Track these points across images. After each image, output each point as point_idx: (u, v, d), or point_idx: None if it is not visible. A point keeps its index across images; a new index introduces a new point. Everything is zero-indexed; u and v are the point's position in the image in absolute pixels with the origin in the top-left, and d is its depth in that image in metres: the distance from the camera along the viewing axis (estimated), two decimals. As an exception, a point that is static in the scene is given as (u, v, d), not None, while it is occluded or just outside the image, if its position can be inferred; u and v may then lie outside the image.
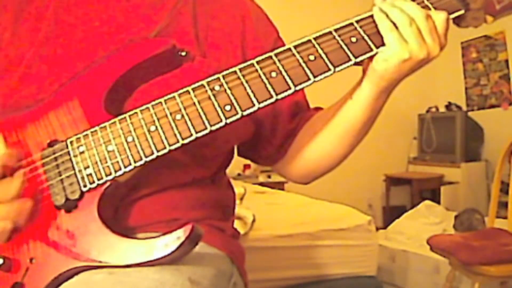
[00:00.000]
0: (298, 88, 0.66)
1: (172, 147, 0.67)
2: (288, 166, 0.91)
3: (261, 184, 3.80)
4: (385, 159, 4.79)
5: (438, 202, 4.06)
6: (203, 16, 0.85)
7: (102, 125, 0.69)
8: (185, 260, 0.67)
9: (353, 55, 0.67)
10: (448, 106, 4.82)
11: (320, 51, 0.66)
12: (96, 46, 0.78)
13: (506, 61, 4.49)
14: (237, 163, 0.94)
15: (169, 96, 0.67)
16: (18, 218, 0.68)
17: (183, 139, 0.66)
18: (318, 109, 0.92)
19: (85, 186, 0.68)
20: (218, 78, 0.67)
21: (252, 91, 0.66)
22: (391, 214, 4.31)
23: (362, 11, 0.69)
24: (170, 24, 0.81)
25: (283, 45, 0.71)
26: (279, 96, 0.66)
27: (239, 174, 4.17)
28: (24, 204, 0.68)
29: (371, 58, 0.69)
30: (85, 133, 0.69)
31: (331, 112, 0.81)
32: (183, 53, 0.70)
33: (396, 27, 0.67)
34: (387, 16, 0.68)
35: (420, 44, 0.68)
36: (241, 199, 2.52)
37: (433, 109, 4.89)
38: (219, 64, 0.72)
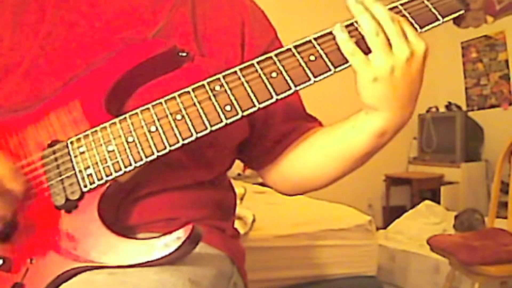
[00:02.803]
0: (298, 88, 0.66)
1: (173, 147, 0.67)
2: (276, 174, 0.89)
3: (261, 184, 3.79)
4: (385, 159, 4.76)
5: (438, 202, 4.06)
6: (202, 16, 0.85)
7: (103, 125, 0.69)
8: (185, 260, 0.67)
9: None
10: (448, 106, 4.82)
11: (320, 51, 0.66)
12: (96, 47, 0.78)
13: (506, 61, 4.49)
14: (237, 163, 0.93)
15: (169, 96, 0.67)
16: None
17: (183, 139, 0.66)
18: (316, 120, 0.91)
19: (85, 186, 0.68)
20: (219, 79, 0.67)
21: (252, 92, 0.66)
22: (391, 214, 4.31)
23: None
24: (169, 24, 0.81)
25: (281, 46, 0.71)
26: (280, 96, 0.66)
27: (239, 174, 4.16)
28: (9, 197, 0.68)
29: None
30: (85, 133, 0.69)
31: (333, 133, 0.80)
32: (184, 54, 0.70)
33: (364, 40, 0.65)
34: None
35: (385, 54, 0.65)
36: (241, 199, 2.51)
37: (433, 109, 4.89)
38: (219, 64, 0.72)
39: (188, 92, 0.67)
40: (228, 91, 0.66)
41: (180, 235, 0.64)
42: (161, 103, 0.68)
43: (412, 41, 0.66)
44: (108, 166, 0.68)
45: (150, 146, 0.67)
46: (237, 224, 1.85)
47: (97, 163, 0.68)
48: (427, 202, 3.72)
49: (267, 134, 0.87)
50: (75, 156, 0.69)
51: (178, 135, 0.66)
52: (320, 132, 0.85)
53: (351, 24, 0.68)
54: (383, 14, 0.65)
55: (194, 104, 0.66)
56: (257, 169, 0.92)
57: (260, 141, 0.88)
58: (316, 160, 0.83)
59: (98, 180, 0.68)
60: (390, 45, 0.65)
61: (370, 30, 0.65)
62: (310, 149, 0.84)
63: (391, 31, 0.65)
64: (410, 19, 0.68)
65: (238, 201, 0.96)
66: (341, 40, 0.65)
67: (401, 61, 0.65)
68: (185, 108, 0.67)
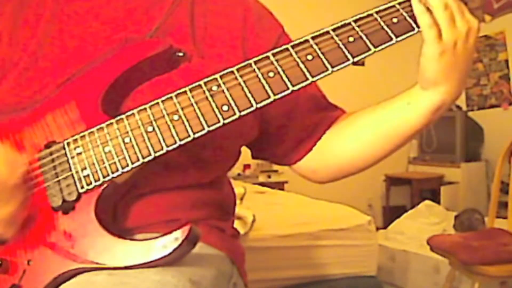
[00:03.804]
0: (295, 88, 0.66)
1: (170, 148, 0.66)
2: (315, 164, 0.88)
3: (261, 184, 3.80)
4: (385, 159, 4.78)
5: (438, 202, 4.06)
6: (201, 16, 0.85)
7: (99, 126, 0.68)
8: (185, 261, 0.67)
9: (351, 55, 0.67)
10: (448, 106, 4.82)
11: (318, 51, 0.66)
12: (93, 47, 0.78)
13: (506, 61, 4.49)
14: (237, 163, 0.93)
15: (166, 96, 0.67)
16: (12, 222, 0.67)
17: (180, 139, 0.66)
18: (338, 108, 0.91)
19: (82, 187, 0.68)
20: (216, 79, 0.67)
21: (249, 91, 0.66)
22: (391, 214, 4.31)
23: (360, 11, 0.68)
24: (166, 24, 0.81)
25: (289, 40, 0.71)
26: (277, 96, 0.66)
27: (239, 174, 4.16)
28: (18, 208, 0.67)
29: None
30: (82, 134, 0.69)
31: (384, 111, 0.81)
32: (180, 54, 0.70)
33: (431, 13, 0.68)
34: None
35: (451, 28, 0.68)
36: (241, 199, 2.51)
37: (433, 109, 4.89)
38: (217, 65, 0.71)
39: (185, 92, 0.67)
40: (225, 91, 0.66)
41: (178, 236, 0.63)
42: (158, 103, 0.67)
43: (468, 18, 0.69)
44: (105, 167, 0.67)
45: (147, 147, 0.66)
46: (237, 224, 1.85)
47: (94, 164, 0.68)
48: (427, 202, 3.72)
49: (291, 130, 0.87)
50: (72, 157, 0.69)
51: (175, 135, 0.66)
52: (363, 113, 0.85)
53: (364, 17, 0.68)
54: None
55: (191, 104, 0.66)
56: (289, 165, 0.91)
57: (285, 137, 0.88)
58: (364, 140, 0.83)
59: (95, 181, 0.67)
60: (454, 19, 0.68)
61: (439, 4, 0.67)
62: (354, 131, 0.84)
63: (453, 7, 0.68)
64: (407, 18, 0.68)
65: (238, 201, 0.96)
66: (418, 12, 0.68)
67: (462, 35, 0.68)
68: (182, 109, 0.66)
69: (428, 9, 0.68)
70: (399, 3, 0.69)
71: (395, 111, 0.79)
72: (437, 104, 0.74)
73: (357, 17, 0.68)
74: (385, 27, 0.68)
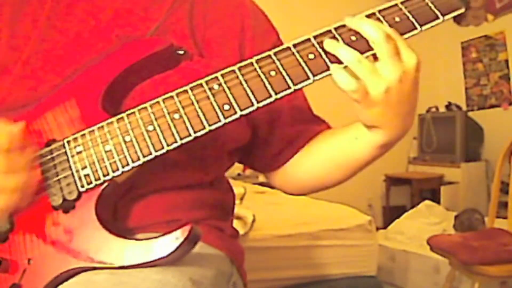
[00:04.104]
0: (297, 87, 0.65)
1: (170, 147, 0.66)
2: (284, 177, 0.91)
3: (261, 184, 3.79)
4: (385, 159, 4.73)
5: (438, 202, 4.06)
6: (201, 16, 0.85)
7: (100, 124, 0.68)
8: (185, 260, 0.67)
9: None
10: (448, 106, 4.82)
11: (319, 49, 0.66)
12: (93, 46, 0.78)
13: (506, 61, 4.49)
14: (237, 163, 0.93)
15: (167, 95, 0.67)
16: (27, 190, 0.67)
17: (181, 138, 0.66)
18: (323, 122, 0.91)
19: (82, 186, 0.68)
20: (217, 77, 0.66)
21: (251, 90, 0.65)
22: (391, 214, 4.31)
23: (361, 10, 0.68)
24: (166, 23, 0.81)
25: None
26: (278, 95, 0.65)
27: (239, 174, 4.16)
28: (33, 176, 0.67)
29: None
30: (82, 132, 0.69)
31: (337, 143, 0.82)
32: (181, 52, 0.70)
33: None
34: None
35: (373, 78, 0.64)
36: (241, 199, 2.52)
37: (433, 109, 4.89)
38: (217, 64, 0.71)
39: (186, 91, 0.66)
40: (227, 90, 0.66)
41: (178, 235, 0.63)
42: (158, 102, 0.67)
43: (404, 59, 0.64)
44: (105, 166, 0.67)
45: (147, 146, 0.66)
46: (237, 224, 1.85)
47: (94, 163, 0.68)
48: (427, 202, 3.72)
49: (273, 138, 0.88)
50: (72, 156, 0.69)
51: (176, 134, 0.66)
52: (325, 139, 0.86)
53: (367, 16, 0.66)
54: (377, 36, 0.63)
55: (192, 103, 0.66)
56: (264, 172, 0.94)
57: (266, 145, 0.88)
58: (323, 165, 0.85)
59: (95, 180, 0.67)
60: (376, 72, 0.64)
61: (352, 60, 0.63)
62: (317, 155, 0.86)
63: (383, 52, 0.63)
64: (410, 17, 0.67)
65: (238, 201, 0.96)
66: (340, 82, 0.63)
67: (394, 82, 0.64)
68: (183, 108, 0.66)
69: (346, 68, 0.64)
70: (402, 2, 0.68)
71: (346, 142, 0.80)
72: (380, 143, 0.73)
73: (360, 16, 0.68)
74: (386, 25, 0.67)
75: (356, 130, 0.76)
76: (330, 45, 0.65)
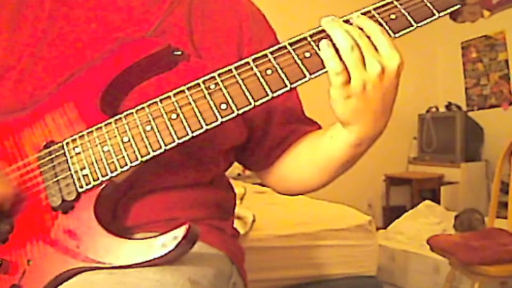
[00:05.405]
0: (294, 85, 0.66)
1: (168, 147, 0.66)
2: (275, 176, 0.91)
3: (261, 184, 3.78)
4: (385, 159, 4.78)
5: (438, 202, 4.06)
6: (199, 17, 0.85)
7: (98, 125, 0.69)
8: (185, 260, 0.67)
9: None
10: (448, 106, 4.82)
11: (315, 48, 0.66)
12: (91, 47, 0.78)
13: (506, 61, 4.49)
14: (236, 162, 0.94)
15: (164, 95, 0.67)
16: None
17: (178, 138, 0.66)
18: (315, 124, 0.92)
19: (81, 187, 0.68)
20: (214, 77, 0.67)
21: (247, 89, 0.66)
22: (391, 214, 4.31)
23: (358, 9, 0.68)
24: (164, 24, 0.81)
25: None
26: (275, 94, 0.66)
27: (239, 174, 4.16)
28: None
29: None
30: (80, 134, 0.69)
31: (315, 142, 0.83)
32: (178, 53, 0.70)
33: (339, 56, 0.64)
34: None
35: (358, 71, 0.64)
36: (241, 199, 2.51)
37: (433, 109, 4.89)
38: (214, 65, 0.72)
39: (183, 91, 0.67)
40: (223, 90, 0.66)
41: (177, 234, 0.63)
42: (156, 102, 0.67)
43: (385, 55, 0.65)
44: (104, 167, 0.67)
45: (145, 146, 0.67)
46: (237, 224, 1.85)
47: (92, 163, 0.68)
48: (427, 202, 3.72)
49: (265, 139, 0.88)
50: (71, 157, 0.69)
51: (173, 134, 0.66)
52: (307, 140, 0.87)
53: (362, 14, 0.67)
54: (354, 29, 0.65)
55: (189, 103, 0.66)
56: (257, 172, 0.94)
57: (259, 145, 0.89)
58: (304, 166, 0.85)
59: (94, 180, 0.68)
60: (363, 61, 0.64)
61: (345, 46, 0.64)
62: (299, 155, 0.86)
63: (363, 47, 0.64)
64: (405, 14, 0.67)
65: (238, 201, 0.96)
66: (326, 57, 0.64)
67: (373, 76, 0.64)
68: (180, 107, 0.66)
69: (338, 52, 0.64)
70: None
71: (323, 143, 0.80)
72: (354, 141, 0.73)
73: (355, 14, 0.68)
74: (384, 24, 0.67)
75: (332, 130, 0.77)
76: (327, 25, 0.65)
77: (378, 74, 0.64)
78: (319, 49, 0.66)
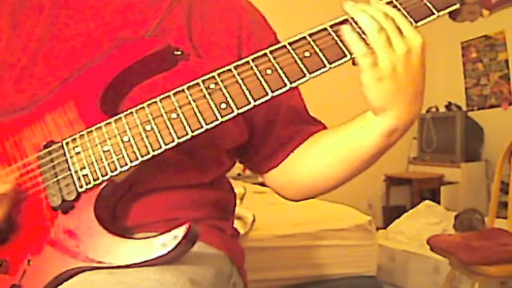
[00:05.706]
0: (293, 85, 0.66)
1: (168, 146, 0.66)
2: (281, 179, 0.89)
3: (261, 184, 3.78)
4: (385, 159, 4.74)
5: (438, 202, 4.06)
6: (199, 16, 0.85)
7: (98, 125, 0.69)
8: (185, 260, 0.67)
9: (349, 51, 0.66)
10: (448, 106, 4.82)
11: (315, 47, 0.66)
12: (91, 47, 0.78)
13: (506, 61, 4.49)
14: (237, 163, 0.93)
15: (164, 95, 0.67)
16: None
17: (178, 138, 0.66)
18: (320, 124, 0.90)
19: (81, 186, 0.68)
20: (213, 77, 0.67)
21: (247, 89, 0.66)
22: (391, 214, 4.30)
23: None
24: (164, 24, 0.81)
25: None
26: (275, 93, 0.66)
27: (239, 174, 4.16)
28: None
29: None
30: (80, 133, 0.69)
31: (340, 134, 0.80)
32: (178, 52, 0.70)
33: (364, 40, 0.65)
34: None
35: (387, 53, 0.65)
36: (241, 199, 2.51)
37: (433, 109, 4.89)
38: (214, 65, 0.72)
39: (183, 91, 0.67)
40: (223, 89, 0.66)
41: (177, 234, 0.63)
42: (156, 102, 0.67)
43: (408, 36, 0.66)
44: (103, 166, 0.67)
45: (145, 146, 0.67)
46: (237, 224, 1.85)
47: (92, 163, 0.68)
48: (427, 202, 3.72)
49: (269, 139, 0.87)
50: (71, 157, 0.69)
51: (173, 134, 0.66)
52: (325, 134, 0.85)
53: (341, 22, 0.67)
54: (378, 12, 0.66)
55: (189, 102, 0.66)
56: (261, 174, 0.92)
57: (262, 146, 0.88)
58: (323, 162, 0.82)
59: (94, 180, 0.68)
60: (390, 42, 0.65)
61: (372, 28, 0.65)
62: (316, 152, 0.83)
63: (389, 29, 0.65)
64: (404, 13, 0.67)
65: (238, 201, 0.96)
66: (351, 42, 0.66)
67: (401, 56, 0.65)
68: (180, 107, 0.66)
69: (362, 36, 0.65)
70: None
71: (351, 135, 0.77)
72: (389, 128, 0.72)
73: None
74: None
75: (362, 120, 0.75)
76: (351, 9, 0.66)
77: (405, 53, 0.65)
78: (318, 49, 0.66)
